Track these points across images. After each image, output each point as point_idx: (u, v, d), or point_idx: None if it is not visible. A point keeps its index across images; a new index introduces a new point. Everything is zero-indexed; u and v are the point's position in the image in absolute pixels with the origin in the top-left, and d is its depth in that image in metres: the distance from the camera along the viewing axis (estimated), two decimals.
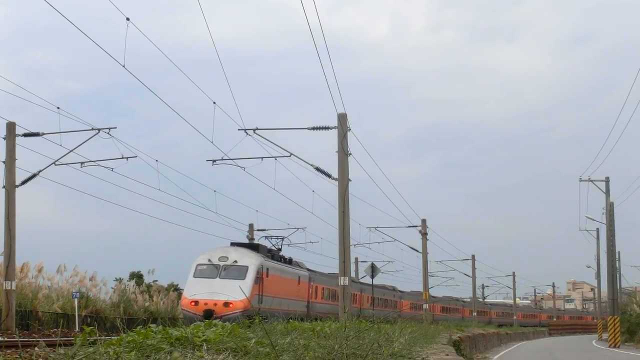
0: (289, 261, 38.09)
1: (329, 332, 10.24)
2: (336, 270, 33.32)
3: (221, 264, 31.39)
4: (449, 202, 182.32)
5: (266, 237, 39.22)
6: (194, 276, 31.41)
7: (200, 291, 30.09)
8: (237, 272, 31.05)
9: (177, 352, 6.52)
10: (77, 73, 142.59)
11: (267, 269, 32.93)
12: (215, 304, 29.58)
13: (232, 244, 34.10)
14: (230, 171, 46.80)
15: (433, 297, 71.72)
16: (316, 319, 18.56)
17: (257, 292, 31.38)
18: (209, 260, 31.60)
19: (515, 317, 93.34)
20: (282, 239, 39.37)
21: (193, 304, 30.02)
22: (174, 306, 47.98)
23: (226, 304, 29.51)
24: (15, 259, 28.73)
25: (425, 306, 52.55)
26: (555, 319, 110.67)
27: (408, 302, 57.60)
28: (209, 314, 28.06)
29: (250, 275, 31.03)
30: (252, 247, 34.64)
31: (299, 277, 37.97)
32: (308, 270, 40.35)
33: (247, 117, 38.22)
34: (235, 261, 31.38)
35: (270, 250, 36.01)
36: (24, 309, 32.05)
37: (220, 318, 22.89)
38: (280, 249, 38.44)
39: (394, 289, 59.28)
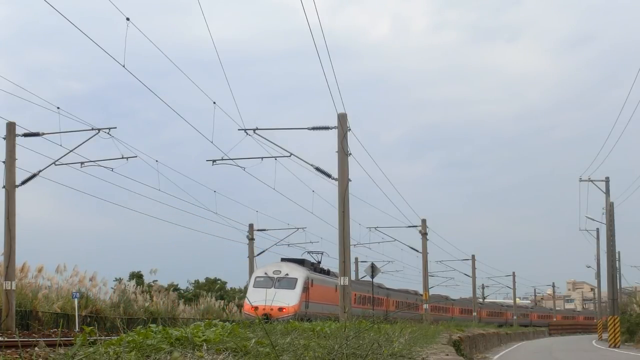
0: (327, 272, 44.59)
1: (329, 332, 10.24)
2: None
3: (275, 276, 38.17)
4: (449, 202, 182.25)
5: (308, 252, 45.12)
6: (254, 286, 38.23)
7: (259, 299, 35.63)
8: (288, 283, 37.77)
9: (177, 352, 6.52)
10: (77, 73, 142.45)
11: (312, 280, 39.69)
12: (272, 309, 35.46)
13: (283, 260, 41.02)
14: (230, 171, 47.08)
15: (452, 299, 76.19)
16: None
17: (304, 299, 38.16)
18: (265, 274, 38.61)
19: (515, 317, 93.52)
20: (322, 253, 45.08)
21: (254, 309, 35.65)
22: (174, 306, 48.02)
23: (280, 309, 35.77)
24: (15, 259, 28.71)
25: (425, 306, 52.95)
26: (558, 319, 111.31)
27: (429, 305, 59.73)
28: (266, 318, 32.20)
29: (299, 285, 37.85)
30: (299, 262, 41.08)
31: (336, 285, 42.54)
32: None
33: (247, 117, 38.11)
34: (287, 274, 38.19)
35: (313, 264, 42.88)
36: (24, 309, 32.01)
37: (275, 321, 26.74)
38: (320, 262, 44.40)
39: (415, 293, 62.51)
